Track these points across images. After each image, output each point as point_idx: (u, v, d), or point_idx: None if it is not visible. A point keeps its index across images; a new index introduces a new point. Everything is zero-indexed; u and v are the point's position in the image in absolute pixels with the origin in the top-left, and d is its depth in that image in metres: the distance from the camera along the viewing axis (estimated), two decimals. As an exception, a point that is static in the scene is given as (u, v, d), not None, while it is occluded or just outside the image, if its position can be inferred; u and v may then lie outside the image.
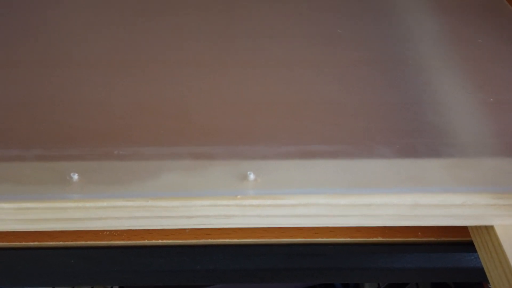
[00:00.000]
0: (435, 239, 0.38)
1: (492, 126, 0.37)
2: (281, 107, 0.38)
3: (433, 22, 0.49)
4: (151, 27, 0.48)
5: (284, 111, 0.38)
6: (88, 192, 0.31)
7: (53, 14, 0.49)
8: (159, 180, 0.32)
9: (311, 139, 0.35)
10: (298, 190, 0.32)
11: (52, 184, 0.31)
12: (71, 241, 0.37)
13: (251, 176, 0.32)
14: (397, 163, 0.34)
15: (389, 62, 0.43)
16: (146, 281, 0.39)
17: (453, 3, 0.53)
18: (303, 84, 0.40)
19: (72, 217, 0.32)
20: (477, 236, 0.36)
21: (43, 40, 0.46)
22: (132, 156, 0.34)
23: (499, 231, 0.33)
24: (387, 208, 0.33)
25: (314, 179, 0.33)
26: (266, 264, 0.38)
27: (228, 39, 0.46)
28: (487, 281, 0.35)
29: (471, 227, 0.36)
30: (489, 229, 0.34)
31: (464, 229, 0.37)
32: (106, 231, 0.37)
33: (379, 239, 0.38)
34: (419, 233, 0.38)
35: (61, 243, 0.38)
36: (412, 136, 0.36)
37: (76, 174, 0.32)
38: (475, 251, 0.36)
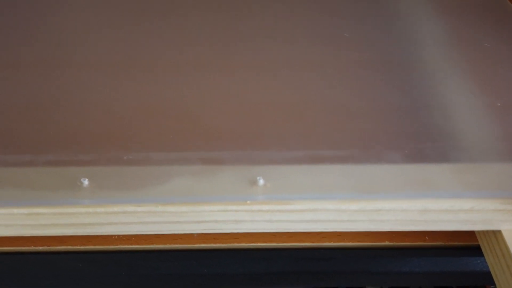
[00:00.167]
0: (443, 243, 0.38)
1: (500, 131, 0.37)
2: (289, 111, 0.38)
3: (438, 25, 0.49)
4: (157, 29, 0.48)
5: (292, 115, 0.38)
6: (99, 198, 0.31)
7: (59, 17, 0.50)
8: (169, 186, 0.32)
9: (320, 143, 0.36)
10: (307, 195, 0.32)
11: (63, 190, 0.32)
12: (80, 245, 0.38)
13: (261, 181, 0.33)
14: (406, 168, 0.34)
15: (395, 65, 0.43)
16: (154, 285, 0.39)
17: (457, 6, 0.53)
18: (311, 87, 0.41)
19: (82, 222, 0.32)
20: (485, 241, 0.36)
21: (49, 43, 0.46)
22: (142, 161, 0.34)
23: (506, 236, 0.34)
24: (395, 213, 0.33)
25: (323, 184, 0.33)
26: (274, 268, 0.39)
27: (234, 42, 0.46)
28: (493, 284, 0.35)
29: (479, 231, 0.37)
30: (496, 234, 0.34)
31: (471, 234, 0.38)
32: (115, 235, 0.38)
33: (387, 243, 0.38)
34: (427, 238, 0.38)
35: (69, 247, 0.38)
36: (420, 140, 0.36)
37: (87, 180, 0.32)
38: (482, 255, 0.36)
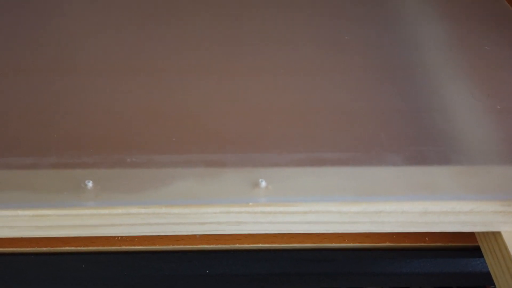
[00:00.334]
0: (443, 244, 0.39)
1: (500, 133, 0.37)
2: (291, 114, 0.39)
3: (439, 28, 0.50)
4: (159, 33, 0.48)
5: (294, 118, 0.38)
6: (103, 200, 0.32)
7: (64, 22, 0.50)
8: (172, 188, 0.33)
9: (321, 146, 0.36)
10: (309, 197, 0.33)
11: (67, 192, 0.32)
12: (83, 246, 0.38)
13: (263, 184, 0.33)
14: (407, 170, 0.34)
15: (397, 68, 0.44)
16: (156, 286, 0.40)
17: (458, 9, 0.53)
18: (313, 90, 0.41)
19: (86, 224, 0.32)
20: (484, 242, 0.36)
21: (51, 47, 0.46)
22: (145, 164, 0.34)
23: (506, 237, 0.34)
24: (397, 215, 0.33)
25: (325, 187, 0.33)
26: (275, 269, 0.39)
27: (237, 45, 0.47)
28: (493, 285, 0.35)
29: (479, 233, 0.37)
30: (496, 235, 0.35)
31: (471, 235, 0.38)
32: (118, 236, 0.38)
33: (388, 244, 0.39)
34: (427, 239, 0.39)
35: (73, 248, 0.38)
36: (421, 143, 0.36)
37: (91, 182, 0.32)
38: (482, 256, 0.37)
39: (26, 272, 0.38)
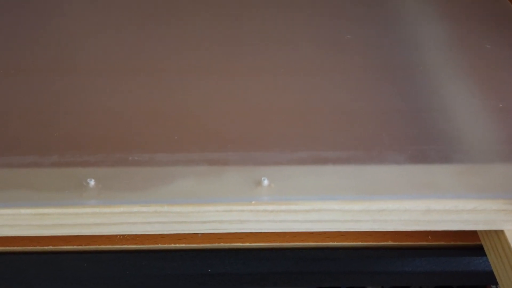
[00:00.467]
0: (445, 243, 0.39)
1: (502, 132, 0.37)
2: (293, 113, 0.39)
3: (440, 29, 0.50)
4: (160, 33, 0.48)
5: (296, 117, 0.38)
6: (105, 198, 0.32)
7: (60, 21, 0.50)
8: (174, 186, 0.33)
9: (323, 145, 0.36)
10: (311, 196, 0.33)
11: (69, 190, 0.32)
12: (85, 245, 0.38)
13: (265, 182, 0.33)
14: (409, 169, 0.34)
15: (398, 68, 0.43)
16: (158, 285, 0.40)
17: (459, 8, 0.53)
18: (315, 90, 0.41)
19: (88, 223, 0.32)
20: (487, 241, 0.36)
21: (52, 47, 0.46)
22: (147, 163, 0.34)
23: (509, 236, 0.34)
24: (399, 213, 0.33)
25: (328, 185, 0.33)
26: (277, 268, 0.39)
27: (238, 45, 0.46)
28: (495, 284, 0.35)
29: (481, 231, 0.37)
30: (499, 234, 0.35)
31: (473, 234, 0.38)
32: (120, 235, 0.38)
33: (390, 243, 0.39)
34: (429, 237, 0.39)
35: (74, 247, 0.38)
36: (423, 142, 0.36)
37: (93, 180, 0.32)
38: (484, 255, 0.37)
39: (27, 271, 0.38)
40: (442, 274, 0.39)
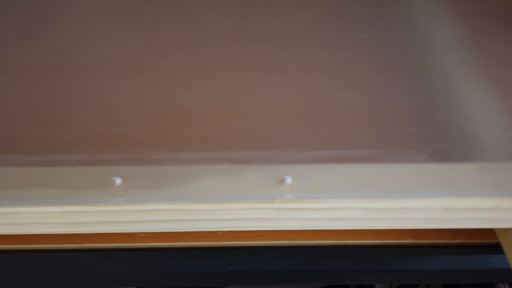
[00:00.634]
0: (463, 241, 0.39)
1: (520, 131, 0.37)
2: (312, 112, 0.39)
3: (453, 28, 0.50)
4: (169, 33, 0.48)
5: (315, 116, 0.39)
6: (132, 196, 0.32)
7: (71, 22, 0.50)
8: (199, 184, 0.33)
9: (343, 144, 0.36)
10: (334, 194, 0.33)
11: (96, 188, 0.32)
12: (107, 243, 0.38)
13: (289, 180, 0.33)
14: (430, 167, 0.35)
15: (414, 67, 0.44)
16: (179, 282, 0.40)
17: (472, 7, 0.53)
18: (331, 89, 0.41)
19: (115, 220, 0.33)
20: (505, 238, 0.36)
21: (66, 46, 0.46)
22: (170, 161, 0.34)
23: (528, 233, 0.34)
24: (420, 211, 0.33)
25: (350, 183, 0.34)
26: (297, 266, 0.39)
27: (251, 44, 0.47)
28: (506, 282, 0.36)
29: (499, 229, 0.37)
30: (518, 231, 0.35)
31: (491, 231, 0.38)
32: (142, 233, 0.38)
33: (408, 241, 0.39)
34: (447, 235, 0.39)
35: (97, 245, 0.38)
36: (443, 141, 0.37)
37: (119, 178, 0.32)
38: (502, 252, 0.37)
39: (50, 269, 0.39)
40: (460, 272, 0.40)
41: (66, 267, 0.39)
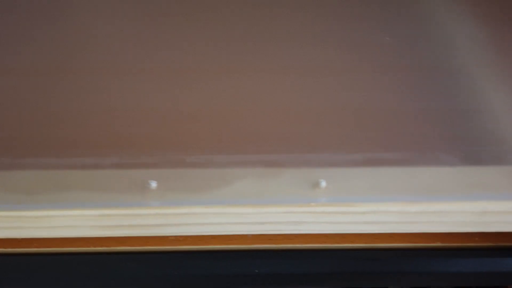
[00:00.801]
0: (492, 244, 0.39)
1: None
2: (342, 114, 0.39)
3: (476, 29, 0.50)
4: (187, 35, 0.47)
5: (350, 119, 0.39)
6: (167, 199, 0.32)
7: (72, 21, 0.49)
8: (233, 188, 0.33)
9: (376, 146, 0.36)
10: (369, 197, 0.33)
11: (132, 192, 0.32)
12: (137, 246, 0.38)
13: (323, 184, 0.33)
14: (463, 170, 0.35)
15: (441, 70, 0.44)
16: (207, 285, 0.40)
17: (493, 8, 0.53)
18: (361, 91, 0.41)
19: (150, 224, 0.33)
20: (537, 241, 0.36)
21: (91, 48, 0.46)
22: (204, 164, 0.34)
23: (561, 237, 0.34)
24: (455, 215, 0.33)
25: (384, 187, 0.34)
26: (326, 269, 0.39)
27: (269, 45, 0.46)
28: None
29: (530, 232, 0.37)
30: (551, 235, 0.35)
31: (518, 235, 0.38)
32: (172, 236, 0.38)
33: (438, 244, 0.39)
34: (477, 238, 0.39)
35: (127, 248, 0.38)
36: (475, 143, 0.36)
37: (155, 182, 0.32)
38: (533, 256, 0.37)
39: (80, 272, 0.39)
40: (489, 275, 0.40)
41: (95, 270, 0.38)
